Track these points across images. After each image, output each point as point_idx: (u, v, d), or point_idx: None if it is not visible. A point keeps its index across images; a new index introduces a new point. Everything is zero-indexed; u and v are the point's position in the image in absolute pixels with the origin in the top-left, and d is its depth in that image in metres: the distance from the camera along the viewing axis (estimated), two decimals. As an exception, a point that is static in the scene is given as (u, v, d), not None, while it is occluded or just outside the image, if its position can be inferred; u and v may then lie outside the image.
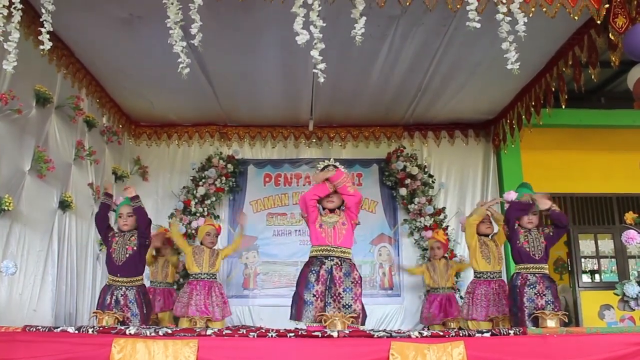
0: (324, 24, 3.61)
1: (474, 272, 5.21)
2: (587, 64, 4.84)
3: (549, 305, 4.06)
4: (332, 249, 3.82)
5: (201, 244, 5.84)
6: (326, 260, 3.78)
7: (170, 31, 3.59)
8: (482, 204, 5.39)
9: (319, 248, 3.86)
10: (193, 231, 6.85)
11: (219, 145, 7.59)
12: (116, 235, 4.55)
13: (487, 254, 5.09)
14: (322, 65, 3.57)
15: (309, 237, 4.13)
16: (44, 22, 3.59)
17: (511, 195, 4.56)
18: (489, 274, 5.08)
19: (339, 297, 3.67)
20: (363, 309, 3.81)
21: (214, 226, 5.95)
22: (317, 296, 3.67)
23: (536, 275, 4.23)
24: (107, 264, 4.51)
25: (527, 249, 4.32)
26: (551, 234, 4.42)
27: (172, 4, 3.60)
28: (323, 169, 4.07)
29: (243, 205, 7.47)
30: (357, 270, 3.86)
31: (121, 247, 4.46)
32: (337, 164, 4.15)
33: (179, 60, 3.60)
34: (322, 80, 3.60)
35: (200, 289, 5.51)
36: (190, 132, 7.62)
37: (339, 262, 3.78)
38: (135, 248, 4.44)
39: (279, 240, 7.33)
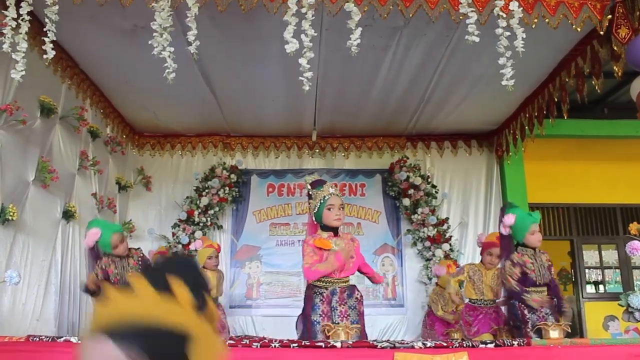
0: (326, 36, 3.64)
1: (469, 299, 5.21)
2: (590, 74, 4.85)
3: (549, 317, 4.03)
4: (335, 280, 3.76)
5: (204, 267, 5.66)
6: (329, 287, 3.77)
7: (155, 34, 3.60)
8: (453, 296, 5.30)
9: (323, 279, 3.78)
10: (194, 239, 6.85)
11: (222, 155, 7.62)
12: (109, 265, 4.44)
13: (479, 286, 5.10)
14: (308, 74, 3.58)
15: None
16: (48, 32, 3.62)
17: (510, 220, 4.25)
18: (482, 301, 5.10)
19: (345, 314, 3.66)
20: (364, 327, 3.80)
21: (214, 247, 5.82)
22: (323, 316, 3.67)
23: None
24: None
25: (534, 278, 4.09)
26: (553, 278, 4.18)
27: (162, 9, 3.62)
28: (314, 184, 3.91)
29: (246, 216, 7.48)
30: (358, 290, 3.84)
31: (121, 275, 4.37)
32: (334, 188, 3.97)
33: (165, 65, 3.61)
34: (307, 88, 3.59)
35: None
36: (193, 143, 7.65)
37: (342, 286, 3.78)
38: (142, 267, 4.37)
39: (282, 250, 7.32)
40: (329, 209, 3.77)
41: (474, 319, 5.07)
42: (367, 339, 3.77)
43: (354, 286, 3.83)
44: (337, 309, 3.68)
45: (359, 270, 3.93)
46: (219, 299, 5.74)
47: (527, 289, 4.15)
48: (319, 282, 3.78)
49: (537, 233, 4.16)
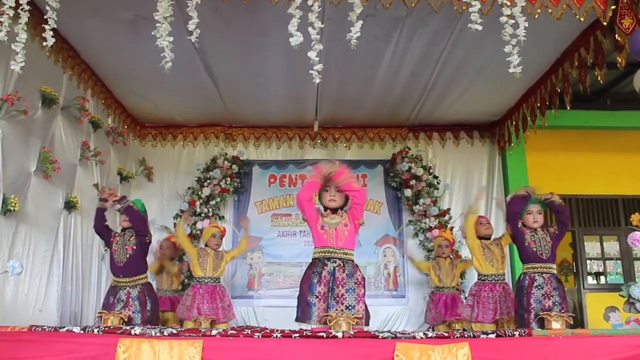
0: (328, 26, 3.62)
1: (478, 275, 5.16)
2: (593, 65, 4.82)
3: (556, 307, 4.02)
4: (334, 250, 3.76)
5: (206, 245, 5.73)
6: (328, 262, 3.74)
7: (157, 25, 3.58)
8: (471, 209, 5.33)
9: (321, 250, 3.80)
10: (198, 232, 6.86)
11: (223, 146, 7.62)
12: (117, 235, 4.58)
13: (490, 257, 5.06)
14: (318, 67, 3.56)
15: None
16: (48, 19, 3.60)
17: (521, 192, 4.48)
18: (492, 276, 5.04)
19: (342, 298, 3.65)
20: (366, 309, 3.79)
21: (219, 228, 5.86)
22: (319, 297, 3.66)
23: (544, 275, 4.19)
24: (110, 265, 4.56)
25: (534, 249, 4.24)
26: (556, 232, 4.33)
27: None
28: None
29: (248, 206, 7.48)
30: (360, 271, 3.81)
31: (121, 247, 4.47)
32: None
33: (163, 54, 3.59)
34: (317, 81, 3.58)
35: (204, 293, 5.43)
36: (195, 133, 7.64)
37: (342, 264, 3.74)
38: (135, 247, 4.44)
39: (283, 241, 7.34)
40: (326, 190, 3.91)
41: (477, 300, 5.04)
42: (369, 319, 3.78)
43: (356, 266, 3.81)
44: (334, 291, 3.67)
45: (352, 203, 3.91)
46: (220, 280, 5.72)
47: (532, 265, 4.27)
48: (319, 254, 3.79)
49: (535, 215, 4.35)
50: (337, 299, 3.64)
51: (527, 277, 4.23)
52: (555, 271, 4.28)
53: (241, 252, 6.06)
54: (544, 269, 4.20)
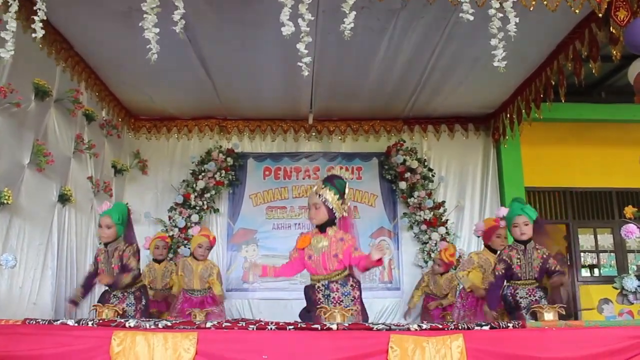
0: (323, 18, 3.60)
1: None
2: (588, 58, 4.82)
3: (542, 300, 4.06)
4: (323, 277, 3.79)
5: (191, 254, 5.63)
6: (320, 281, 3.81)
7: (145, 15, 3.56)
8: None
9: (313, 277, 3.86)
10: (192, 224, 6.85)
11: (218, 138, 7.59)
12: (100, 254, 4.32)
13: (488, 276, 5.06)
14: (307, 59, 3.54)
15: (308, 228, 4.12)
16: (38, 10, 3.57)
17: (502, 212, 4.36)
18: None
19: (339, 302, 3.69)
20: (364, 311, 3.81)
21: (208, 238, 5.64)
22: (317, 304, 3.70)
23: (526, 288, 4.18)
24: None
25: (519, 274, 4.15)
26: (552, 268, 4.14)
27: None
28: (325, 182, 3.87)
29: (243, 199, 7.47)
30: (354, 277, 3.85)
31: (106, 266, 4.24)
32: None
33: (149, 46, 3.57)
34: (306, 73, 3.56)
35: (193, 304, 5.33)
36: (189, 126, 7.62)
37: (334, 279, 3.79)
38: (120, 265, 4.21)
39: (278, 234, 7.32)
40: (309, 208, 3.88)
41: (468, 308, 5.05)
42: (367, 320, 3.79)
43: (347, 276, 3.83)
44: (330, 296, 3.71)
45: (358, 269, 3.89)
46: (208, 292, 5.58)
47: (514, 282, 4.19)
48: (312, 281, 3.86)
49: (521, 227, 4.11)
50: (334, 301, 3.68)
51: (511, 287, 4.22)
52: (536, 284, 4.21)
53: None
54: (526, 285, 4.18)
